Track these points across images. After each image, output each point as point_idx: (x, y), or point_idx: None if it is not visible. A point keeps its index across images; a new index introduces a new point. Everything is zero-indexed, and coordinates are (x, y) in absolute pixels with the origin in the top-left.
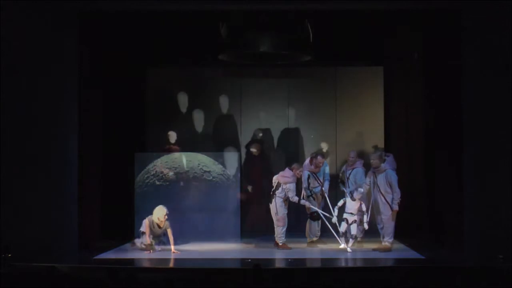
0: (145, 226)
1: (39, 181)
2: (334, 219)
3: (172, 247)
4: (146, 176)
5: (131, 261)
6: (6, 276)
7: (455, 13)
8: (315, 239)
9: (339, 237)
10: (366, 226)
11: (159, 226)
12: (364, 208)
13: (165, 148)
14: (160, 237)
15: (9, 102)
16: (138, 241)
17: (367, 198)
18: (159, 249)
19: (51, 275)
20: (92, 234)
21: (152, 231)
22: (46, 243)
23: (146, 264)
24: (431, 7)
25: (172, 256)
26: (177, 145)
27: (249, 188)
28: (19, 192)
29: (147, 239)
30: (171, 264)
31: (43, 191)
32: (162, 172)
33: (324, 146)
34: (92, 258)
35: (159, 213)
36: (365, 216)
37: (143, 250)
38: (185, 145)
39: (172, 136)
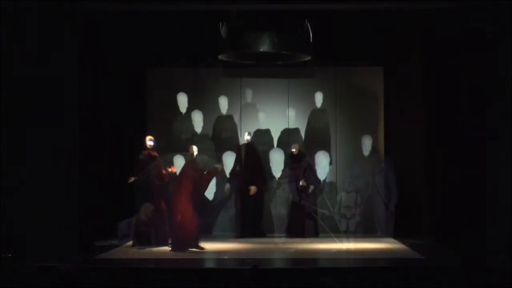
0: (130, 227)
1: (39, 181)
2: (336, 216)
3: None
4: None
5: (131, 261)
6: (6, 276)
7: (455, 13)
8: (314, 239)
9: (339, 237)
10: (357, 218)
11: (145, 224)
12: (359, 200)
13: (142, 153)
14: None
15: (9, 102)
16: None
17: (365, 195)
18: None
19: (51, 275)
20: (92, 234)
21: (137, 231)
22: (46, 243)
23: (146, 264)
24: (431, 7)
25: (171, 256)
26: (154, 150)
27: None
28: (19, 192)
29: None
30: (171, 264)
31: (43, 191)
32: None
33: (294, 147)
34: (92, 258)
35: (147, 210)
36: (358, 209)
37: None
38: (184, 145)
39: (150, 140)
